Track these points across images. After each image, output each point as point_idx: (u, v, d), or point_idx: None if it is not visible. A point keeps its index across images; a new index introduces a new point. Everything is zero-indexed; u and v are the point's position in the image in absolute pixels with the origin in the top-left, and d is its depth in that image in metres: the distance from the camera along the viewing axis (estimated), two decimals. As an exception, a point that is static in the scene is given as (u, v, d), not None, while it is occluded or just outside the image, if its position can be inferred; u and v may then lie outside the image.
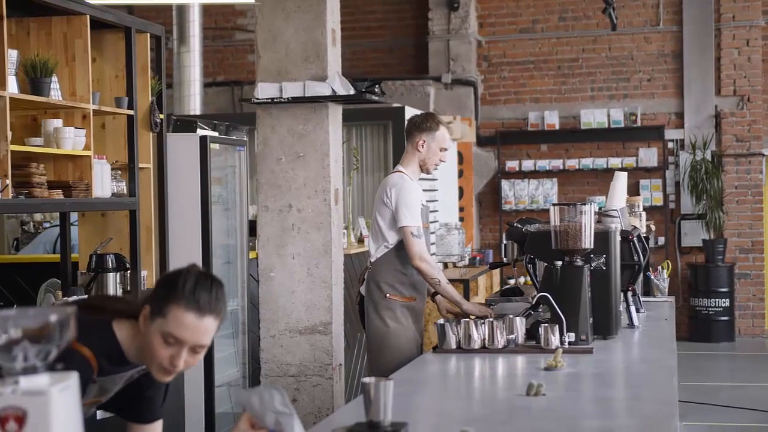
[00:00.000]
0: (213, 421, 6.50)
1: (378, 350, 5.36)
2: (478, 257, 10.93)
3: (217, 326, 2.73)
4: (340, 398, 5.88)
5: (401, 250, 5.25)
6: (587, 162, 13.08)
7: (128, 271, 5.78)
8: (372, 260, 5.39)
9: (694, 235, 12.90)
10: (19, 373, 1.79)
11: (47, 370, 1.81)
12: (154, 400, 3.00)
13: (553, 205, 4.57)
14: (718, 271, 12.57)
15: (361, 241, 8.76)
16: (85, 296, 5.23)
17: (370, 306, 5.34)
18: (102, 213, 5.94)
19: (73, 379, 1.82)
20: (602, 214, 5.29)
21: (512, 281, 10.78)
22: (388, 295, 5.29)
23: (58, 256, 6.01)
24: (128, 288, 5.80)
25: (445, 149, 5.42)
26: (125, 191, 5.80)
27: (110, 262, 5.62)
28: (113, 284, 5.61)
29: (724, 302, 12.54)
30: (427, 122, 5.39)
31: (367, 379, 2.79)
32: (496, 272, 11.18)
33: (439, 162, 5.43)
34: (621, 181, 5.63)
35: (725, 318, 12.57)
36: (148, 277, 6.07)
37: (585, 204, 4.53)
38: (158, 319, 2.66)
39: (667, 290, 6.68)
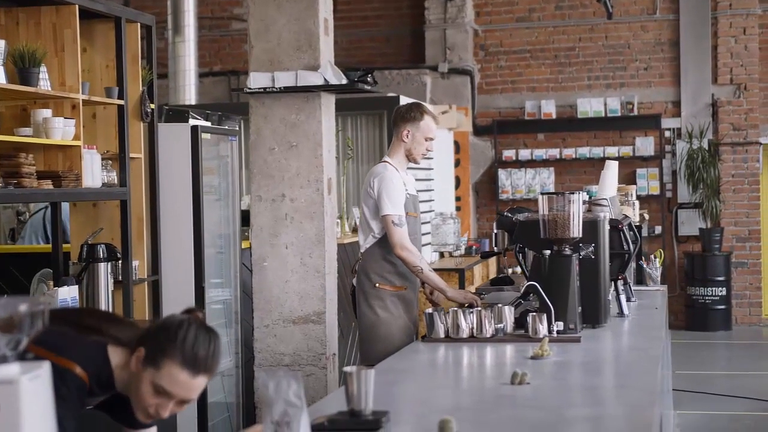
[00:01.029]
0: (206, 411, 6.50)
1: (369, 339, 5.38)
2: (474, 247, 10.93)
3: (207, 382, 2.74)
4: (333, 388, 5.88)
5: (388, 239, 5.27)
6: (584, 151, 13.08)
7: (119, 261, 5.78)
8: (361, 251, 5.43)
9: (690, 224, 12.90)
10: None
11: (17, 359, 1.81)
12: None
13: (542, 194, 4.58)
14: (714, 260, 12.58)
15: (355, 230, 8.76)
16: (81, 308, 5.17)
17: (361, 296, 5.37)
18: (93, 203, 5.94)
19: (43, 368, 1.82)
20: (592, 203, 5.30)
21: (509, 271, 10.79)
22: (377, 284, 5.32)
23: (50, 246, 6.00)
24: (119, 278, 5.80)
25: (431, 139, 5.42)
26: (116, 181, 5.79)
27: (101, 252, 5.61)
28: (104, 274, 5.61)
29: (721, 291, 12.55)
30: (411, 112, 5.41)
31: (348, 369, 2.81)
32: (492, 262, 11.19)
33: (425, 151, 5.44)
34: (612, 170, 5.63)
35: (722, 307, 12.58)
36: (140, 267, 6.07)
37: (573, 193, 4.53)
38: (151, 369, 2.66)
39: (659, 279, 6.68)
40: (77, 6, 5.43)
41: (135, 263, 6.00)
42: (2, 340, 1.79)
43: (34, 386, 1.80)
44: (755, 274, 12.98)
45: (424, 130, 5.38)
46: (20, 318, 1.79)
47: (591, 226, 4.65)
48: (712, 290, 12.54)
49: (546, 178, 13.18)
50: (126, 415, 2.93)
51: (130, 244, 5.88)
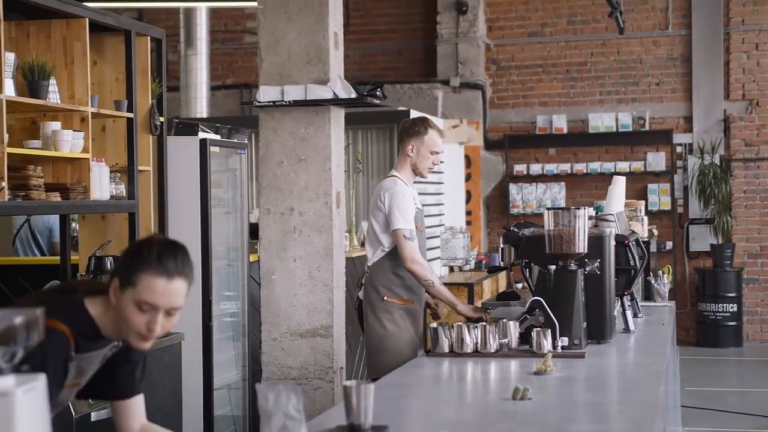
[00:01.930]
0: (212, 424, 6.51)
1: (376, 353, 5.39)
2: (484, 261, 10.92)
3: (188, 288, 2.80)
4: (341, 401, 5.88)
5: (397, 253, 5.30)
6: (595, 166, 13.07)
7: (127, 274, 5.79)
8: (369, 264, 5.46)
9: (702, 239, 12.86)
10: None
11: (13, 371, 1.82)
12: (132, 375, 3.05)
13: (547, 209, 4.57)
14: (726, 276, 12.53)
15: (364, 244, 8.77)
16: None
17: (368, 309, 5.39)
18: (102, 215, 5.96)
19: (39, 380, 1.83)
20: (599, 219, 5.29)
21: (520, 285, 10.77)
22: (385, 297, 5.35)
23: (59, 258, 6.03)
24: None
25: (436, 152, 5.46)
26: (124, 194, 5.82)
27: (109, 264, 5.63)
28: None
29: (732, 307, 12.50)
30: (416, 126, 5.46)
31: (347, 383, 2.81)
32: (503, 276, 11.16)
33: (432, 166, 5.48)
34: (619, 185, 5.63)
35: (733, 323, 12.53)
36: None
37: (579, 209, 4.53)
38: (129, 289, 2.74)
39: (667, 295, 6.65)
40: (87, 19, 5.47)
41: (143, 275, 6.00)
42: (-2, 352, 1.81)
43: (29, 398, 1.81)
44: (766, 291, 12.93)
45: (428, 144, 5.42)
46: (16, 330, 1.81)
47: (597, 242, 4.65)
48: (723, 306, 12.49)
49: (557, 193, 13.17)
50: (113, 387, 3.02)
51: (138, 256, 5.89)
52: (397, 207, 5.27)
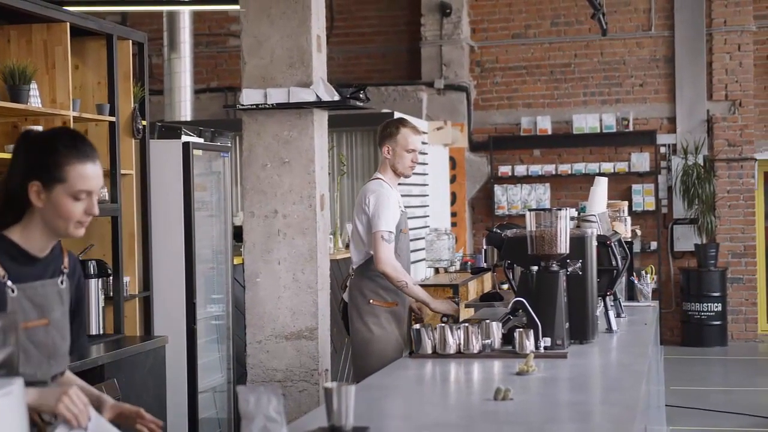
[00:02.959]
0: (197, 427, 6.50)
1: (362, 356, 5.41)
2: (469, 262, 10.93)
3: None
4: (325, 404, 5.88)
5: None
6: (579, 167, 13.10)
7: (110, 277, 5.79)
8: (354, 267, 5.50)
9: (686, 239, 12.91)
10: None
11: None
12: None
13: (529, 210, 4.58)
14: (710, 276, 12.58)
15: (348, 246, 8.77)
16: None
17: (354, 312, 5.42)
18: (85, 219, 5.94)
19: (16, 385, 1.83)
20: (581, 219, 5.31)
21: (505, 286, 10.78)
22: (371, 301, 5.37)
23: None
24: (110, 294, 5.81)
25: (413, 150, 5.52)
26: (107, 197, 5.81)
27: (92, 268, 5.62)
28: (95, 290, 5.62)
29: (717, 307, 12.54)
30: (387, 128, 5.57)
31: (328, 384, 2.82)
32: (488, 277, 11.18)
33: (411, 164, 5.54)
34: (601, 186, 5.64)
35: (717, 322, 12.58)
36: (131, 283, 6.08)
37: (561, 209, 4.54)
38: (58, 186, 2.77)
39: (650, 295, 6.68)
40: (68, 24, 5.46)
41: (126, 279, 6.01)
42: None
43: (7, 402, 1.81)
44: (751, 290, 12.98)
45: (402, 143, 5.50)
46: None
47: (578, 242, 4.66)
48: (707, 306, 12.54)
49: (542, 194, 13.20)
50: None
51: (121, 260, 5.90)
52: (381, 209, 5.33)
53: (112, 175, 5.86)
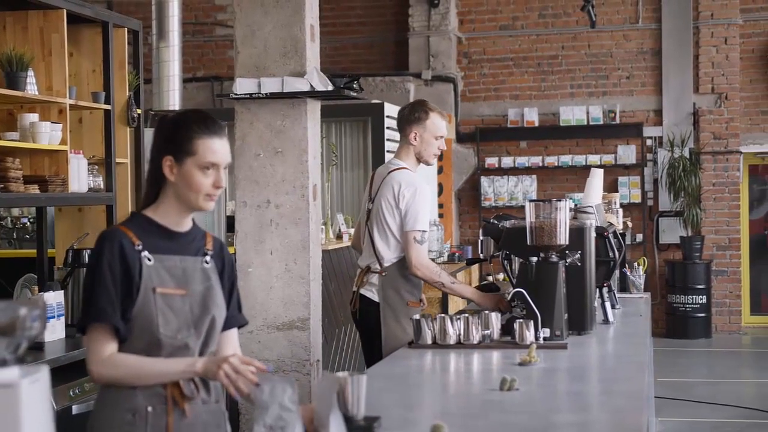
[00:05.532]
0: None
1: None
2: (457, 254, 10.95)
3: None
4: (317, 394, 5.87)
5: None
6: (566, 159, 13.14)
7: (105, 266, 5.76)
8: (385, 264, 5.13)
9: (671, 232, 12.97)
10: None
11: (17, 363, 1.82)
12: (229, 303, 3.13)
13: (529, 201, 4.59)
14: (695, 268, 12.65)
15: (339, 237, 8.76)
16: None
17: (388, 312, 5.10)
18: (79, 208, 5.93)
19: (42, 372, 1.83)
20: (578, 211, 5.32)
21: (490, 277, 10.80)
22: (409, 303, 5.12)
23: (35, 251, 5.98)
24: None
25: (441, 137, 5.20)
26: (102, 186, 5.79)
27: (86, 257, 5.59)
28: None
29: (701, 299, 12.61)
30: (415, 112, 5.18)
31: (341, 374, 2.81)
32: (475, 269, 11.21)
33: (437, 151, 5.23)
34: (597, 177, 5.66)
35: (702, 315, 12.65)
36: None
37: (560, 200, 4.55)
38: (188, 159, 2.94)
39: (643, 287, 6.71)
40: (65, 10, 5.43)
41: (120, 268, 5.97)
42: (2, 343, 1.80)
43: (34, 390, 1.80)
44: (735, 282, 13.06)
45: (431, 129, 5.16)
46: (20, 321, 1.80)
47: (577, 234, 4.67)
48: (692, 298, 12.61)
49: (528, 186, 13.23)
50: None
51: (116, 249, 5.86)
52: (418, 206, 5.01)
53: (107, 164, 5.83)
